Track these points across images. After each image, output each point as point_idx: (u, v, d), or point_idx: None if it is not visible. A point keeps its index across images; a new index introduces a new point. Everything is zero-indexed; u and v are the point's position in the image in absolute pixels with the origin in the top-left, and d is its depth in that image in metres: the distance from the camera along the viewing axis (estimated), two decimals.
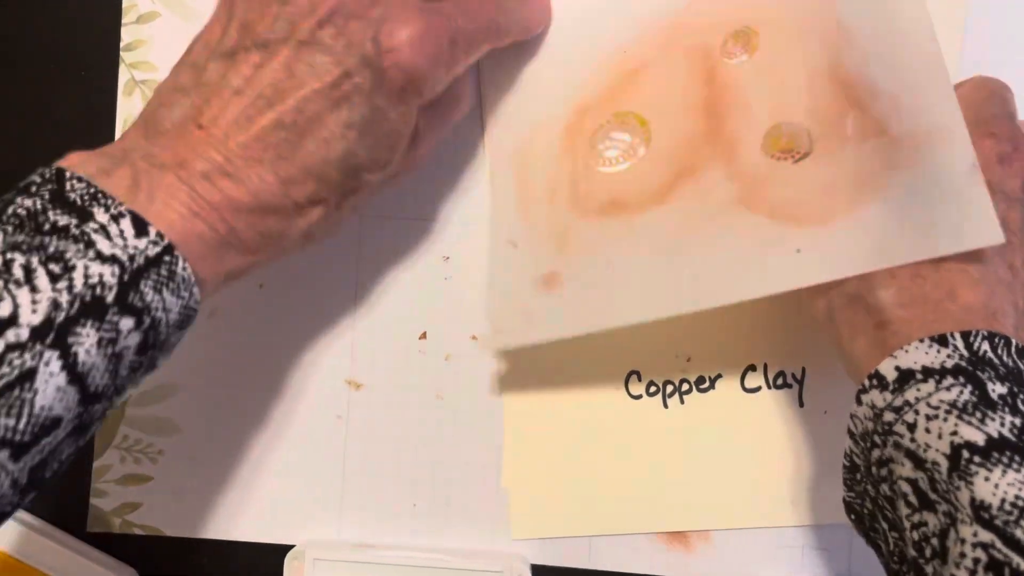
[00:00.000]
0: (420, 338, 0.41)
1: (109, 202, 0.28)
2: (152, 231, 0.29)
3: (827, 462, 0.40)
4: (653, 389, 0.40)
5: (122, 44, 0.41)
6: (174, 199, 0.30)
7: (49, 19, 0.42)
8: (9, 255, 0.27)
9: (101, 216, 0.28)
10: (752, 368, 0.40)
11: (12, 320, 0.26)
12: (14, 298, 0.26)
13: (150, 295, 0.28)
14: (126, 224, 0.28)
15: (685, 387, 0.40)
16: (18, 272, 0.27)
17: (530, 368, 0.41)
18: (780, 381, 0.40)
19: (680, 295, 0.36)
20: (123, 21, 0.41)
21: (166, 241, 0.29)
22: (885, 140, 0.35)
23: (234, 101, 0.31)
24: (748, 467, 0.40)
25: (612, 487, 0.40)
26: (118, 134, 0.41)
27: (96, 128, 0.42)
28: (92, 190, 0.29)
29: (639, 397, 0.40)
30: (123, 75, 0.41)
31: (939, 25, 0.37)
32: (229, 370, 0.41)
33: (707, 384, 0.40)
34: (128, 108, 0.41)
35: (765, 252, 0.35)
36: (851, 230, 0.34)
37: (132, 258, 0.28)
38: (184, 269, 0.29)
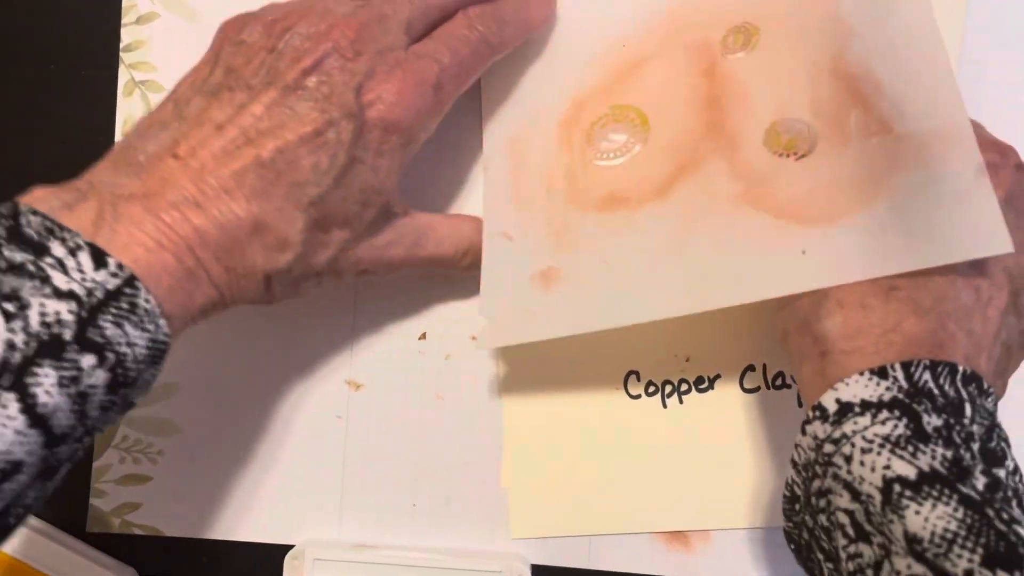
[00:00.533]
0: (420, 338, 0.41)
1: (66, 235, 0.28)
2: (112, 263, 0.28)
3: None
4: (652, 389, 0.40)
5: (122, 44, 0.41)
6: (139, 230, 0.29)
7: (49, 19, 0.42)
8: None
9: (58, 250, 0.27)
10: (751, 368, 0.40)
11: None
12: None
13: (110, 330, 0.27)
14: (84, 257, 0.28)
15: (684, 387, 0.40)
16: None
17: (530, 368, 0.41)
18: (779, 381, 0.40)
19: (682, 296, 0.35)
20: (123, 21, 0.41)
21: (126, 272, 0.28)
22: (890, 138, 0.34)
23: (214, 135, 0.31)
24: (747, 467, 0.40)
25: (611, 487, 0.40)
26: (118, 134, 0.41)
27: (96, 128, 0.42)
28: (48, 224, 0.28)
29: (638, 397, 0.40)
30: (123, 75, 0.41)
31: (939, 25, 0.37)
32: (229, 370, 0.41)
33: (706, 384, 0.40)
34: (128, 108, 0.41)
35: (770, 253, 0.34)
36: (856, 232, 0.34)
37: (90, 292, 0.27)
38: (147, 301, 0.28)
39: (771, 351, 0.40)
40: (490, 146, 0.40)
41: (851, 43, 0.36)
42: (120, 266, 0.28)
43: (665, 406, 0.40)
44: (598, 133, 0.39)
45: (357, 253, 0.34)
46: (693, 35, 0.39)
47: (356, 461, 0.41)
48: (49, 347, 0.26)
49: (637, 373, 0.40)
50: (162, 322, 0.29)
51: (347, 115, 0.32)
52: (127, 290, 0.28)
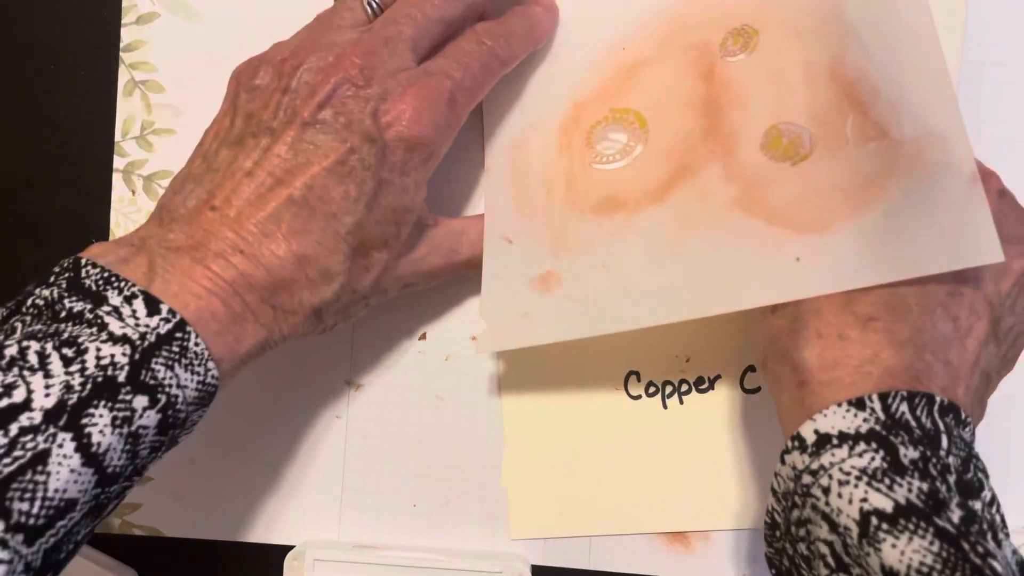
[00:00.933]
0: (420, 339, 0.41)
1: (123, 284, 0.29)
2: (164, 308, 0.29)
3: None
4: (652, 390, 0.40)
5: (122, 44, 0.41)
6: (189, 279, 0.30)
7: (49, 19, 0.42)
8: (25, 343, 0.28)
9: (114, 299, 0.29)
10: (751, 369, 0.40)
11: (25, 405, 0.26)
12: (27, 384, 0.27)
13: (162, 372, 0.29)
14: (139, 304, 0.29)
15: (684, 387, 0.40)
16: (33, 359, 0.27)
17: (529, 368, 0.41)
18: None
19: (678, 303, 0.35)
20: (123, 21, 0.41)
21: (177, 318, 0.29)
22: (885, 143, 0.34)
23: (245, 183, 0.32)
24: (747, 468, 0.40)
25: (611, 487, 0.40)
26: (118, 134, 0.41)
27: (96, 128, 0.42)
28: (107, 275, 0.29)
29: (638, 397, 0.40)
30: (123, 75, 0.41)
31: (939, 25, 0.37)
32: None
33: (706, 385, 0.40)
34: (128, 108, 0.41)
35: (764, 260, 0.35)
36: (850, 239, 0.34)
37: (143, 336, 0.29)
38: (197, 344, 0.30)
39: None
40: (491, 149, 0.40)
41: (850, 46, 0.36)
42: (172, 311, 0.29)
43: (665, 406, 0.40)
44: (597, 136, 0.39)
45: (398, 270, 0.35)
46: (693, 37, 0.39)
47: (356, 461, 0.41)
48: (104, 388, 0.28)
49: (637, 373, 0.40)
50: (211, 364, 0.30)
51: (368, 140, 0.32)
52: (178, 334, 0.29)
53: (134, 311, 0.29)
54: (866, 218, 0.33)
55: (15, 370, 0.27)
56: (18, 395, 0.26)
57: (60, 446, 0.26)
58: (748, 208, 0.35)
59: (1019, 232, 0.33)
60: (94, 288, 0.29)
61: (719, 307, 0.34)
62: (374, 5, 0.36)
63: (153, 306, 0.29)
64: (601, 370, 0.40)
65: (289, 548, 0.40)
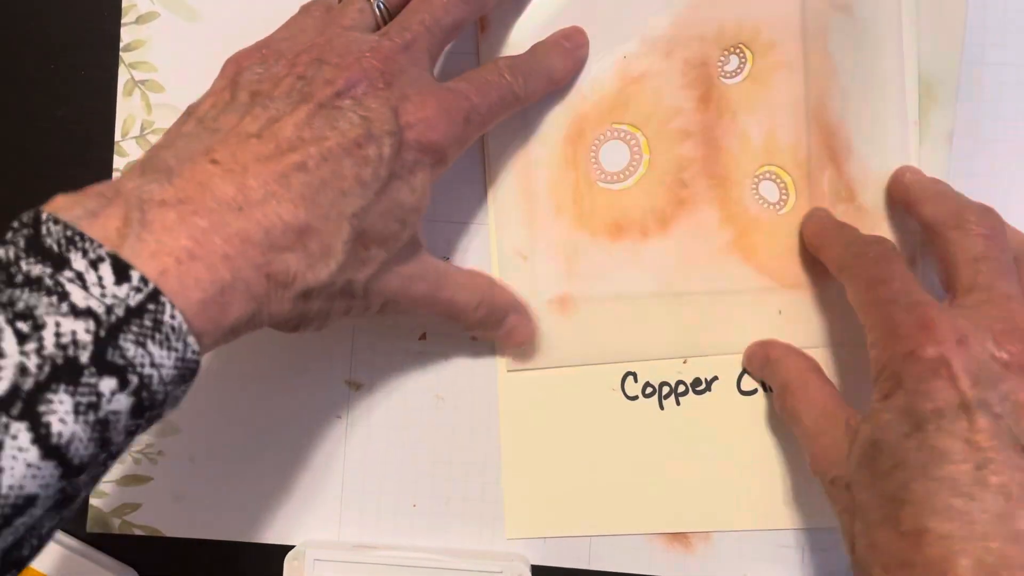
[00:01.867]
0: (420, 339, 0.41)
1: (88, 245, 0.26)
2: (135, 276, 0.26)
3: None
4: (649, 391, 0.40)
5: (122, 44, 0.41)
6: (170, 238, 0.27)
7: (49, 19, 0.42)
8: None
9: (78, 262, 0.25)
10: (748, 371, 0.40)
11: None
12: None
13: (132, 350, 0.25)
14: (105, 270, 0.25)
15: (681, 389, 0.40)
16: None
17: (529, 369, 0.41)
18: None
19: (682, 340, 0.40)
20: (123, 21, 0.41)
21: (150, 287, 0.26)
22: (853, 207, 0.39)
23: (252, 143, 0.30)
24: (744, 469, 0.40)
25: (607, 488, 0.40)
26: (118, 134, 0.41)
27: (96, 128, 0.42)
28: (70, 233, 0.26)
29: (635, 399, 0.40)
30: (123, 75, 0.41)
31: (939, 24, 0.38)
32: (229, 370, 0.41)
33: (703, 386, 0.40)
34: (128, 108, 0.41)
35: (754, 306, 0.40)
36: (820, 300, 0.39)
37: (110, 309, 0.25)
38: (173, 318, 0.26)
39: None
40: (495, 164, 0.40)
41: (832, 87, 0.39)
42: (144, 280, 0.26)
43: (662, 408, 0.40)
44: (600, 151, 0.40)
45: (388, 279, 0.33)
46: (692, 51, 0.40)
47: (356, 461, 0.41)
48: (64, 371, 0.24)
49: (635, 374, 0.40)
50: (191, 339, 0.27)
51: (388, 132, 0.31)
52: (150, 306, 0.26)
53: (100, 278, 0.25)
54: (832, 281, 0.38)
55: None
56: None
57: (14, 438, 0.23)
58: (743, 252, 0.40)
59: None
60: (55, 249, 0.25)
61: (718, 350, 0.40)
62: (382, 8, 0.35)
63: (122, 272, 0.25)
64: (598, 371, 0.40)
65: (289, 548, 0.40)
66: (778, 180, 0.39)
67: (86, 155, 0.42)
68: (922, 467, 0.29)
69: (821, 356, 0.39)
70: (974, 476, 0.29)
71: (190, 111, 0.32)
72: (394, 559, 0.40)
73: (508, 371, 0.41)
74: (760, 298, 0.39)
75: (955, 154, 0.39)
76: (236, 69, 0.33)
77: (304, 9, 0.36)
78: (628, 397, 0.40)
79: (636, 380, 0.40)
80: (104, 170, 0.41)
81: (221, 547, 0.41)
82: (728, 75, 0.39)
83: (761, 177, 0.39)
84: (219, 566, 0.41)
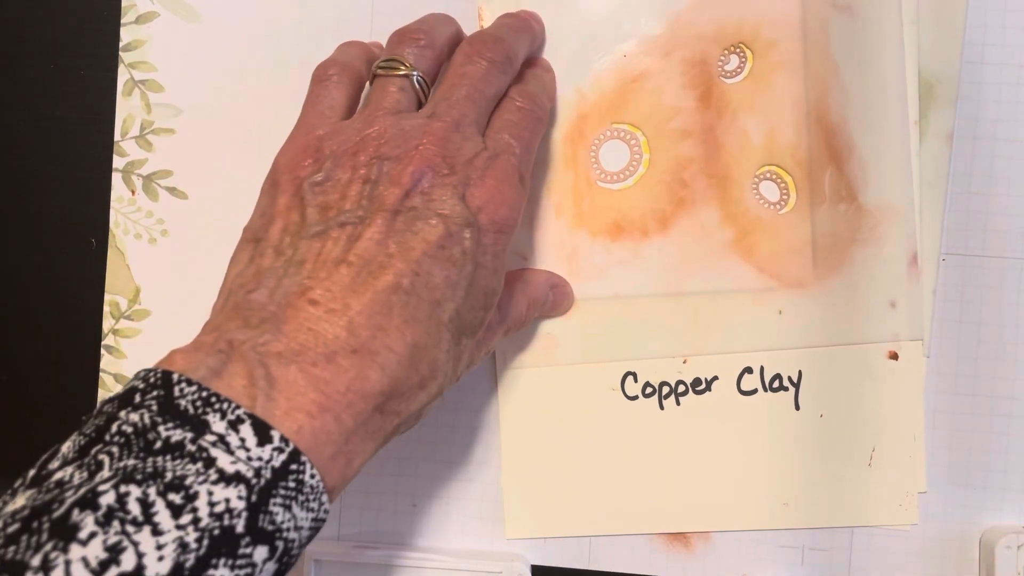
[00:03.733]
0: None
1: (225, 406, 0.25)
2: (275, 436, 0.25)
3: (823, 465, 0.39)
4: (649, 391, 0.40)
5: (121, 44, 0.41)
6: (298, 394, 0.26)
7: (49, 19, 0.42)
8: (124, 488, 0.23)
9: (217, 425, 0.25)
10: (748, 370, 0.40)
11: (138, 573, 0.22)
12: (136, 545, 0.22)
13: (280, 514, 0.25)
14: (247, 431, 0.25)
15: (681, 389, 0.40)
16: (135, 509, 0.23)
17: (528, 368, 0.41)
18: (776, 384, 0.40)
19: (682, 340, 0.40)
20: (122, 21, 0.41)
21: (291, 447, 0.25)
22: (854, 207, 0.39)
23: (342, 270, 0.29)
24: (744, 469, 0.40)
25: (607, 488, 0.40)
26: (117, 134, 0.41)
27: (96, 128, 0.42)
28: (205, 394, 0.25)
29: (635, 398, 0.40)
30: (122, 75, 0.41)
31: (939, 24, 0.38)
32: None
33: (703, 386, 0.40)
34: (127, 108, 0.41)
35: (755, 307, 0.40)
36: (818, 301, 0.39)
37: (258, 472, 0.24)
38: (312, 476, 0.25)
39: (769, 353, 0.40)
40: None
41: (833, 87, 0.39)
42: (284, 439, 0.25)
43: (662, 408, 0.40)
44: (600, 150, 0.40)
45: (473, 355, 0.33)
46: (692, 50, 0.39)
47: None
48: (222, 543, 0.23)
49: (635, 374, 0.40)
50: (325, 498, 0.26)
51: (465, 224, 0.31)
52: (293, 466, 0.25)
53: (243, 440, 0.25)
54: (831, 282, 0.39)
55: (116, 524, 0.23)
56: (127, 561, 0.22)
57: None
58: (743, 253, 0.40)
59: None
60: (192, 411, 0.25)
61: (718, 349, 0.40)
62: (422, 81, 0.34)
63: (263, 433, 0.25)
64: (598, 370, 0.40)
65: None
66: (778, 180, 0.39)
67: (86, 155, 0.42)
68: None
69: (821, 356, 0.39)
70: None
71: (258, 237, 0.31)
72: (394, 559, 0.40)
73: (508, 370, 0.41)
74: (760, 298, 0.39)
75: (955, 154, 0.39)
76: (295, 182, 0.32)
77: (321, 81, 0.35)
78: (628, 397, 0.40)
79: (636, 380, 0.40)
80: (104, 170, 0.41)
81: None
82: (728, 74, 0.39)
83: (761, 177, 0.39)
84: None
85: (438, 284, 0.30)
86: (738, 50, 0.39)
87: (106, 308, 0.42)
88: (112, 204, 0.42)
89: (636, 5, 0.40)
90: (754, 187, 0.39)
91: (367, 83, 0.36)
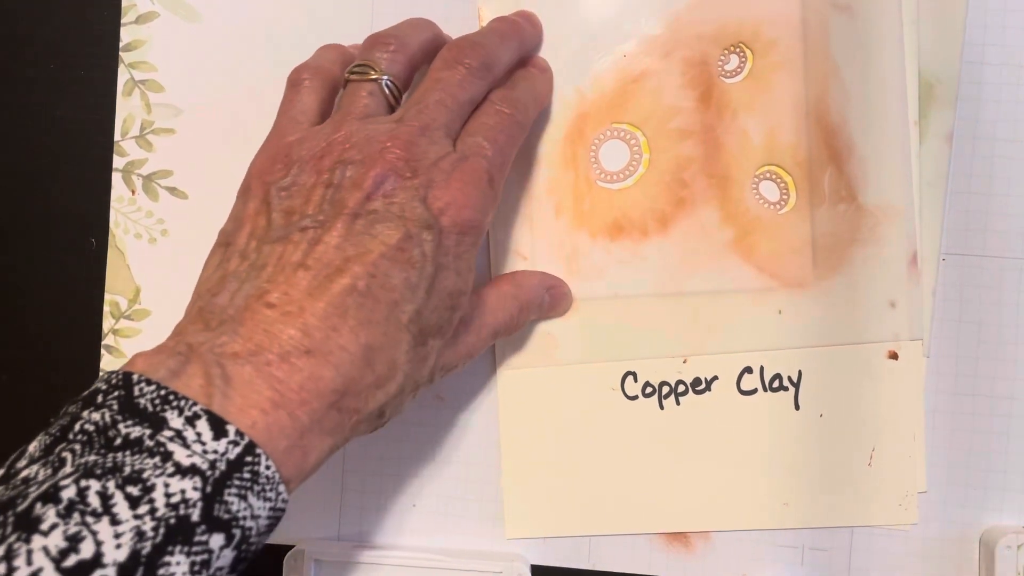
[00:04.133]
0: None
1: (183, 403, 0.26)
2: (231, 430, 0.26)
3: (822, 465, 0.39)
4: (649, 390, 0.40)
5: (121, 44, 0.41)
6: (253, 391, 0.27)
7: (49, 19, 0.42)
8: (84, 482, 0.25)
9: (175, 421, 0.26)
10: (748, 370, 0.40)
11: (96, 561, 0.24)
12: (95, 535, 0.24)
13: (236, 504, 0.26)
14: (203, 426, 0.26)
15: (681, 388, 0.40)
16: (95, 501, 0.24)
17: (528, 368, 0.41)
18: (776, 384, 0.40)
19: (682, 340, 0.40)
20: (122, 21, 0.41)
21: (246, 439, 0.26)
22: (853, 207, 0.39)
23: (300, 274, 0.30)
24: (743, 469, 0.40)
25: (607, 488, 0.40)
26: (117, 134, 0.41)
27: (95, 127, 0.42)
28: (163, 392, 0.27)
29: (635, 398, 0.40)
30: (122, 75, 0.41)
31: (939, 24, 0.38)
32: None
33: (703, 386, 0.40)
34: (127, 108, 0.41)
35: (755, 307, 0.40)
36: (818, 301, 0.39)
37: (213, 464, 0.26)
38: (268, 467, 0.27)
39: (769, 353, 0.40)
40: None
41: (833, 86, 0.39)
42: (240, 433, 0.26)
43: (662, 407, 0.40)
44: (600, 150, 0.40)
45: (444, 357, 0.34)
46: (692, 50, 0.39)
47: (356, 461, 0.41)
48: (178, 531, 0.25)
49: (634, 374, 0.40)
50: (282, 488, 0.27)
51: (424, 226, 0.31)
52: (248, 458, 0.26)
53: (199, 434, 0.26)
54: (831, 282, 0.39)
55: (76, 516, 0.24)
56: (86, 549, 0.24)
57: None
58: (743, 253, 0.40)
59: None
60: (151, 409, 0.26)
61: (718, 349, 0.40)
62: (391, 86, 0.35)
63: (219, 427, 0.26)
64: (598, 370, 0.40)
65: (288, 548, 0.40)
66: (778, 180, 0.39)
67: (86, 155, 0.42)
68: None
69: (821, 356, 0.39)
70: None
71: (228, 242, 0.32)
72: (394, 559, 0.40)
73: (508, 370, 0.41)
74: (760, 298, 0.39)
75: (955, 154, 0.39)
76: (264, 187, 0.33)
77: (294, 86, 0.36)
78: (628, 397, 0.40)
79: (636, 380, 0.40)
80: (104, 170, 0.41)
81: None
82: (728, 74, 0.39)
83: (761, 177, 0.39)
84: None
85: (396, 285, 0.30)
86: (738, 50, 0.39)
87: (106, 308, 0.42)
88: (112, 204, 0.42)
89: (636, 5, 0.40)
90: (754, 187, 0.39)
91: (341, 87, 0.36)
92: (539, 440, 0.41)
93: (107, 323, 0.42)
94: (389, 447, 0.41)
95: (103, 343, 0.42)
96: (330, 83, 0.36)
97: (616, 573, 0.41)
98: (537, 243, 0.40)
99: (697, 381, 0.40)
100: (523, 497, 0.41)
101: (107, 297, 0.42)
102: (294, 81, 0.36)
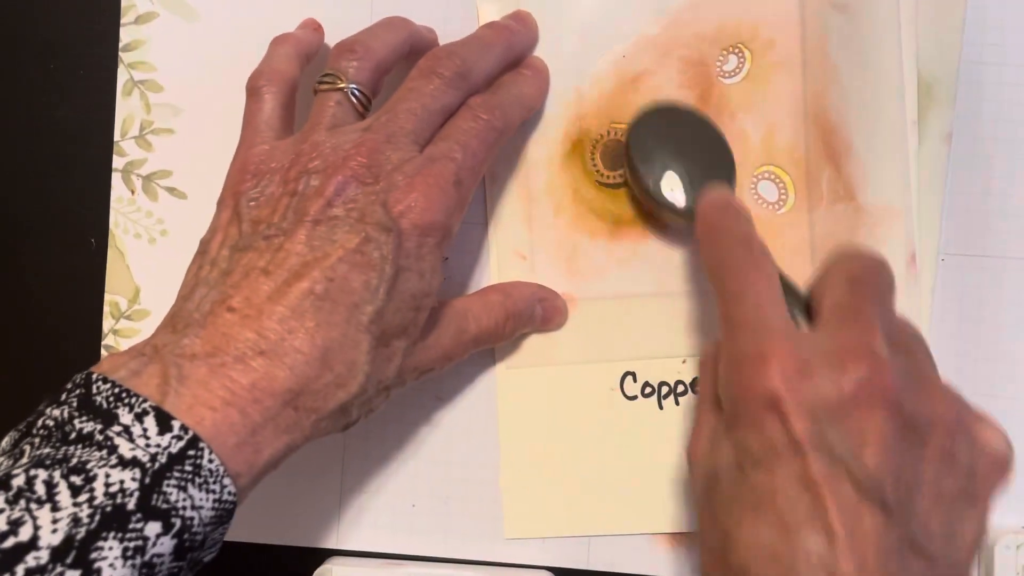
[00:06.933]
0: None
1: (133, 400, 0.28)
2: (175, 425, 0.28)
3: None
4: (649, 390, 0.40)
5: (121, 44, 0.41)
6: (205, 390, 0.29)
7: (48, 19, 0.42)
8: (33, 471, 0.26)
9: (125, 417, 0.28)
10: None
11: (32, 544, 0.25)
12: (34, 519, 0.26)
13: (175, 494, 0.27)
14: (150, 422, 0.28)
15: (681, 389, 0.40)
16: (40, 489, 0.26)
17: (527, 368, 0.41)
18: None
19: (682, 340, 0.40)
20: (122, 21, 0.41)
21: (190, 434, 0.28)
22: (852, 206, 0.39)
23: (262, 280, 0.31)
24: None
25: (607, 488, 0.40)
26: (117, 134, 0.42)
27: (95, 128, 0.42)
28: (118, 390, 0.28)
29: (634, 398, 0.40)
30: (122, 75, 0.42)
31: (939, 24, 0.38)
32: None
33: None
34: (127, 108, 0.41)
35: None
36: None
37: (154, 457, 0.27)
38: (211, 461, 0.28)
39: None
40: (495, 161, 0.40)
41: (831, 86, 0.39)
42: (184, 428, 0.28)
43: (661, 407, 0.40)
44: (600, 151, 0.40)
45: (416, 357, 0.34)
46: (691, 51, 0.39)
47: (355, 461, 0.41)
48: (113, 518, 0.26)
49: (634, 374, 0.40)
50: (227, 481, 0.29)
51: (383, 229, 0.32)
52: (190, 452, 0.28)
53: (145, 430, 0.27)
54: None
55: (22, 503, 0.26)
56: (24, 532, 0.25)
57: None
58: None
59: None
60: (104, 406, 0.28)
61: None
62: (358, 94, 0.35)
63: (164, 423, 0.28)
64: (598, 370, 0.40)
65: (288, 548, 0.40)
66: (777, 180, 0.39)
67: (86, 155, 0.42)
68: (752, 507, 0.29)
69: None
70: (801, 519, 0.28)
71: (204, 250, 0.33)
72: (422, 575, 0.39)
73: (507, 370, 0.41)
74: None
75: (953, 154, 0.39)
76: (235, 198, 0.34)
77: (253, 95, 0.36)
78: (627, 397, 0.40)
79: (635, 380, 0.40)
80: (104, 170, 0.42)
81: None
82: (727, 74, 0.39)
83: (760, 177, 0.39)
84: (217, 566, 0.41)
85: (356, 288, 0.31)
86: (736, 50, 0.39)
87: (106, 308, 0.42)
88: (112, 204, 0.42)
89: (635, 5, 0.40)
90: (752, 187, 0.39)
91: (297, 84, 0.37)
92: (538, 440, 0.41)
93: (107, 323, 0.42)
94: (389, 447, 0.41)
95: (103, 343, 0.42)
96: (287, 83, 0.37)
97: (616, 573, 0.41)
98: (537, 243, 0.40)
99: (697, 381, 0.40)
100: (522, 497, 0.41)
101: (107, 297, 0.42)
102: (253, 89, 0.36)
